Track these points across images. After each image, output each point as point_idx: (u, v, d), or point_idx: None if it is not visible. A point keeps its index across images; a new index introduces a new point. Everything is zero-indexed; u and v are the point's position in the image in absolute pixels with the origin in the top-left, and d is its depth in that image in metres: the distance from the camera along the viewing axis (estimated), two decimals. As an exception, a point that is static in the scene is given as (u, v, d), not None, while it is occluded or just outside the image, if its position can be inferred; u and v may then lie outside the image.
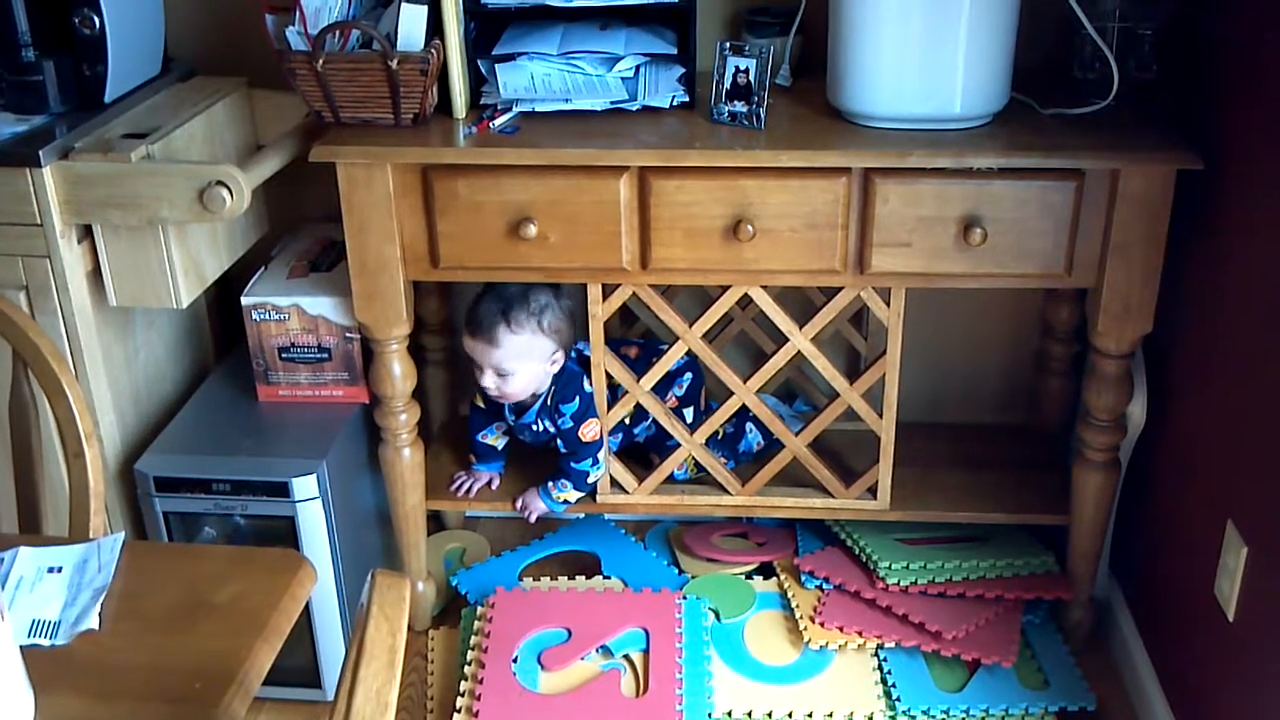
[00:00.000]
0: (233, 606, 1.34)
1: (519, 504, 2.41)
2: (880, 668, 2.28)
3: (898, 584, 2.32)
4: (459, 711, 2.17)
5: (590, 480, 2.34)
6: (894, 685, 2.23)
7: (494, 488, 2.45)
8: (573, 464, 2.33)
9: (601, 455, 2.33)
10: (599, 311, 2.17)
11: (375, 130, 2.07)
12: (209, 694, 1.21)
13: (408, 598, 0.99)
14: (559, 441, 2.33)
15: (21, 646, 1.19)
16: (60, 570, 1.39)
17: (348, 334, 2.27)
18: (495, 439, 2.44)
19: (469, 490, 2.44)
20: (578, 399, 2.27)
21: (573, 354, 2.32)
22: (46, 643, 1.29)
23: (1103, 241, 2.00)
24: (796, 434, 2.28)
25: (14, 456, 1.68)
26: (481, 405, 2.41)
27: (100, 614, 1.32)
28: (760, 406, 2.26)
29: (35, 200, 1.95)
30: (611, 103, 2.11)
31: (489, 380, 2.24)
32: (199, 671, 1.24)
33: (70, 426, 1.56)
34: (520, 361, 2.22)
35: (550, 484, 2.37)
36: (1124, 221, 1.97)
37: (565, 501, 2.37)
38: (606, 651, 2.28)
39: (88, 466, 1.57)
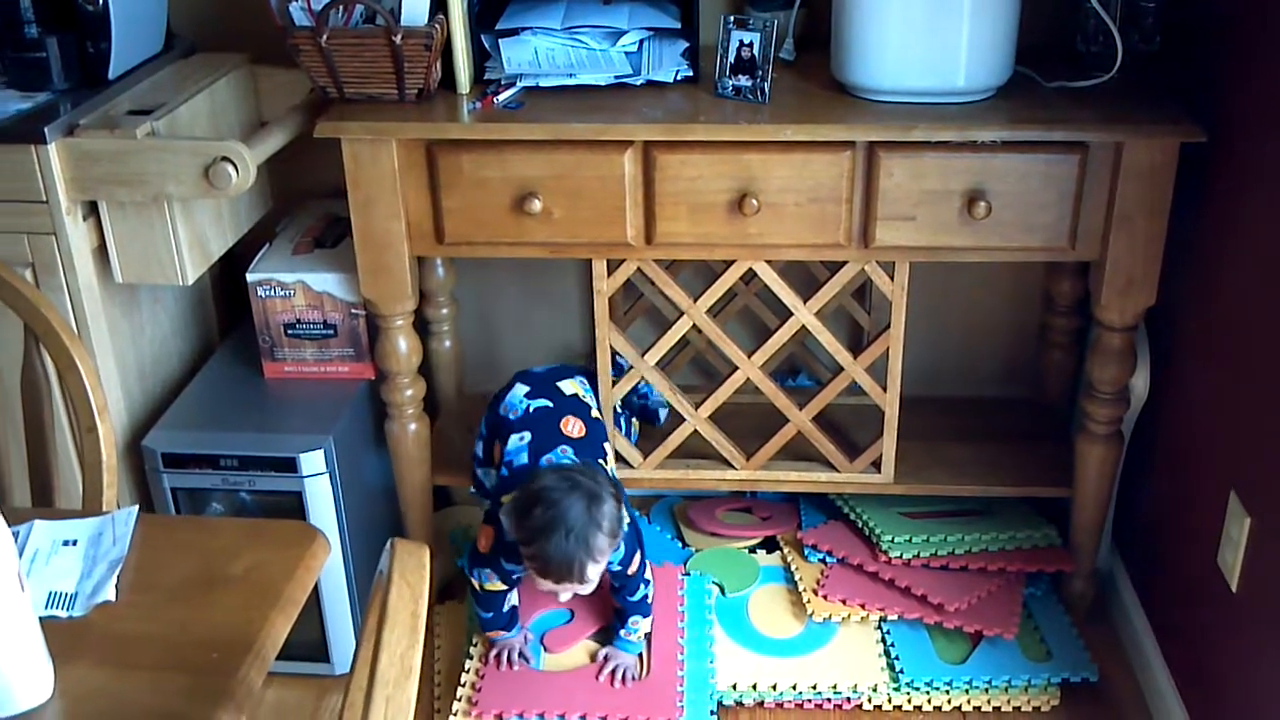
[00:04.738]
0: (247, 578, 1.34)
1: (609, 672, 2.18)
2: (883, 640, 2.29)
3: (900, 557, 2.33)
4: (463, 686, 2.19)
5: (650, 600, 2.20)
6: (897, 657, 2.24)
7: (529, 646, 2.25)
8: (628, 597, 2.17)
9: (649, 573, 2.19)
10: (604, 287, 2.17)
11: (380, 106, 2.07)
12: (226, 664, 1.22)
13: (428, 565, 1.00)
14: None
15: (40, 618, 1.20)
16: (75, 543, 1.39)
17: (353, 310, 2.27)
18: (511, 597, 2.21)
19: (510, 659, 2.22)
20: (623, 546, 2.07)
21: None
22: (64, 614, 1.30)
23: (1106, 214, 2.01)
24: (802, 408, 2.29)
25: (26, 431, 1.68)
26: (479, 591, 2.16)
27: (117, 586, 1.33)
28: (765, 381, 2.26)
29: (41, 177, 1.95)
30: (615, 77, 2.11)
31: (566, 596, 2.08)
32: (216, 642, 1.25)
33: (83, 401, 1.56)
34: (600, 570, 2.03)
35: (623, 632, 2.20)
36: (1127, 194, 1.98)
37: (648, 634, 2.23)
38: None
39: (100, 441, 1.57)
